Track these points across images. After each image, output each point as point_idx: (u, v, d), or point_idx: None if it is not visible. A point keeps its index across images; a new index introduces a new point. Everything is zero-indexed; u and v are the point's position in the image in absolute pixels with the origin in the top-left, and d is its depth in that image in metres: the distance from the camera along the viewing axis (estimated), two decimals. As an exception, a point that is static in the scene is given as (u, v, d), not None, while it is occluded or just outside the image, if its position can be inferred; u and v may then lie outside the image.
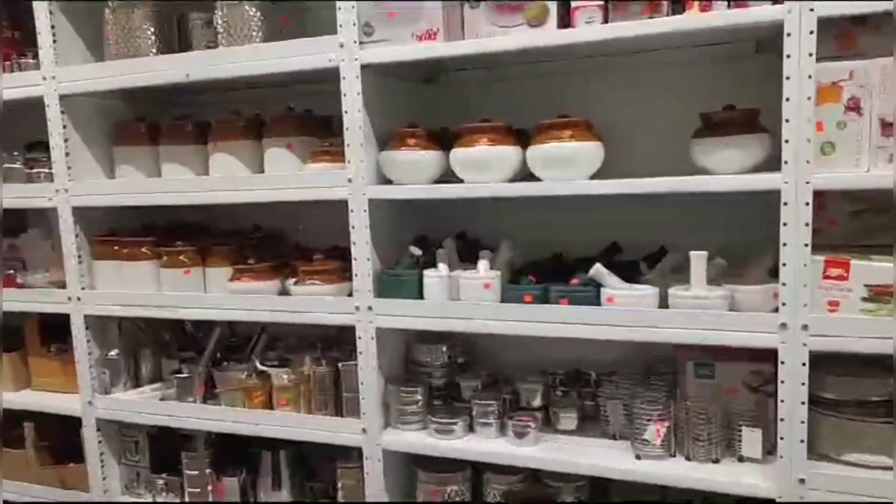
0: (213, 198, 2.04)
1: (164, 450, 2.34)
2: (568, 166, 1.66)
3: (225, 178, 2.03)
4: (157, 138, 2.22)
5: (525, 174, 1.76)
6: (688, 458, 1.67)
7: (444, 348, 2.02)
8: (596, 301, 1.68)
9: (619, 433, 1.83)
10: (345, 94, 1.79)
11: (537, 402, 1.92)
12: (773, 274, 1.64)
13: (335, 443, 1.95)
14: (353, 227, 1.83)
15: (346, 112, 1.80)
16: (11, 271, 2.48)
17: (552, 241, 1.98)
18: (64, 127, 2.14)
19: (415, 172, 1.83)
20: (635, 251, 1.89)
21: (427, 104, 2.06)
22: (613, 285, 1.67)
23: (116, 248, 2.22)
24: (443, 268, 1.85)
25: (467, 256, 1.93)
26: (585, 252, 1.95)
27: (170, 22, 2.17)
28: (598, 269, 1.68)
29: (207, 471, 2.21)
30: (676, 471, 1.63)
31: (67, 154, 2.16)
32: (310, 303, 1.92)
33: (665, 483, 1.64)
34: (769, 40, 1.75)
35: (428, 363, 2.02)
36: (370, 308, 1.84)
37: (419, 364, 2.03)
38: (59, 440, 2.46)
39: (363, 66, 1.77)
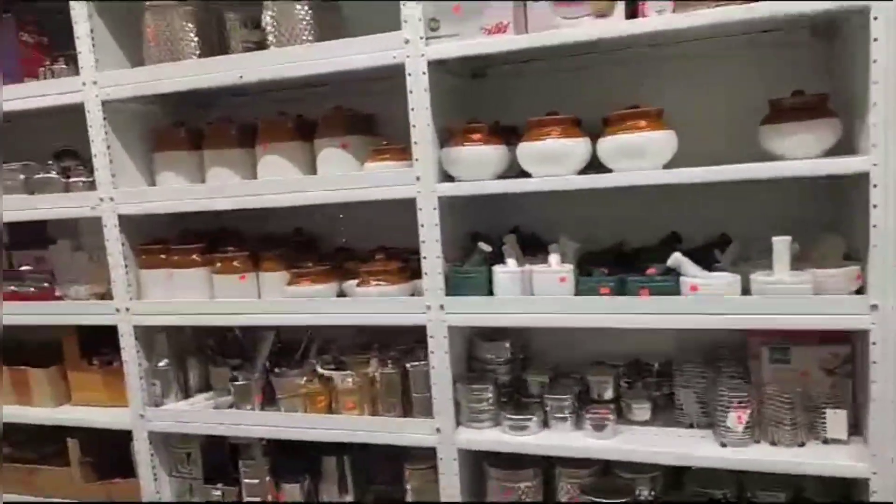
0: (265, 201, 1.99)
1: (214, 461, 2.30)
2: (641, 156, 1.65)
3: (283, 181, 1.99)
4: (199, 143, 2.17)
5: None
6: (773, 444, 1.68)
7: (507, 344, 2.01)
8: (677, 290, 1.68)
9: (696, 422, 1.83)
10: (411, 92, 1.76)
11: (608, 394, 1.91)
12: (847, 256, 1.66)
13: (407, 444, 1.92)
14: (423, 226, 1.80)
15: (412, 109, 1.77)
16: (45, 284, 2.41)
17: (604, 233, 1.98)
18: (105, 133, 2.08)
19: (480, 168, 1.81)
20: (691, 240, 1.90)
21: (471, 99, 2.04)
22: (695, 274, 1.66)
23: (163, 256, 2.16)
24: (512, 263, 1.84)
25: (526, 251, 1.91)
26: (641, 242, 1.97)
27: (209, 23, 2.12)
28: (678, 258, 1.68)
29: (267, 478, 2.17)
30: (765, 456, 1.64)
31: (111, 161, 2.09)
32: (377, 304, 1.89)
33: (757, 469, 1.65)
34: (824, 25, 1.77)
35: (491, 360, 2.01)
36: (442, 307, 1.82)
37: (483, 361, 2.01)
38: (103, 455, 2.40)
39: (429, 63, 1.74)
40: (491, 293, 1.84)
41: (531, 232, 2.07)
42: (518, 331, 2.02)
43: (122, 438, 2.32)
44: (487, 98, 2.08)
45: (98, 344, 2.40)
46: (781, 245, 1.59)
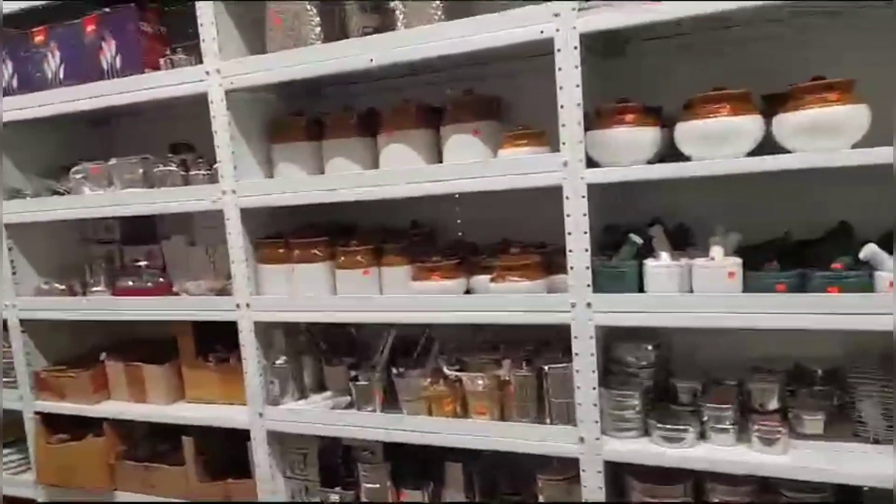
0: (391, 191, 1.88)
1: (328, 464, 2.22)
2: (834, 134, 1.46)
3: (418, 170, 1.88)
4: (318, 133, 2.09)
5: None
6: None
7: (651, 346, 1.84)
8: (870, 287, 1.47)
9: (880, 436, 1.62)
10: (560, 69, 1.61)
11: (773, 403, 1.72)
12: None
13: (547, 454, 1.78)
14: (569, 216, 1.66)
15: (560, 88, 1.62)
16: (161, 280, 2.39)
17: (756, 225, 1.78)
18: (228, 124, 2.02)
19: (632, 152, 1.65)
20: (862, 233, 1.68)
21: (608, 79, 1.88)
22: (892, 268, 1.46)
23: (283, 250, 2.09)
24: (665, 257, 1.67)
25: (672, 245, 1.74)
26: (804, 234, 1.76)
27: (330, 8, 2.03)
28: (872, 251, 1.47)
29: (388, 483, 2.06)
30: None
31: (233, 153, 2.04)
32: (516, 301, 1.76)
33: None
34: None
35: (632, 363, 1.84)
36: (589, 304, 1.67)
37: (622, 364, 1.85)
38: (217, 454, 2.35)
39: (581, 36, 1.59)
40: (640, 290, 1.67)
41: (677, 223, 1.89)
42: (661, 331, 1.84)
43: (235, 438, 2.27)
44: (625, 77, 1.91)
45: (212, 341, 2.36)
46: None
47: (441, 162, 1.92)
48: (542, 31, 1.62)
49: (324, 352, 2.27)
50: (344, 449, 2.23)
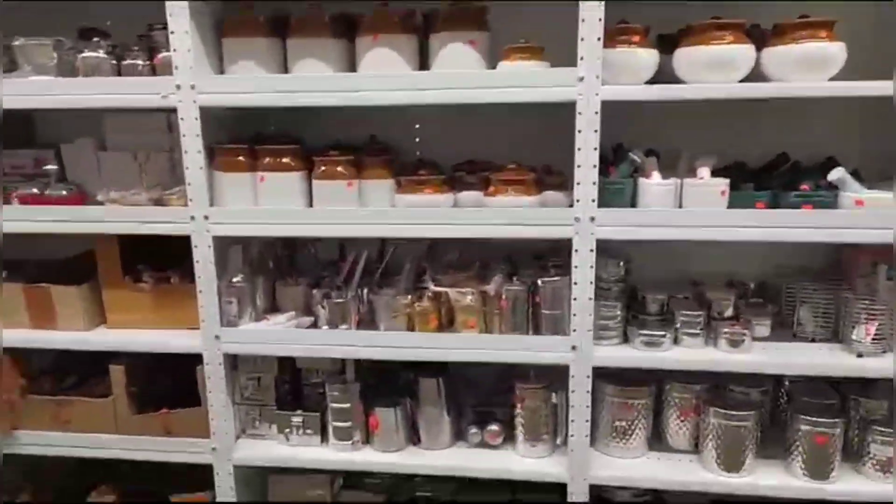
0: (371, 98, 1.77)
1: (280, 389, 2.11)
2: (821, 68, 1.63)
3: (397, 77, 1.78)
4: (283, 31, 1.89)
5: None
6: (904, 353, 1.77)
7: (622, 262, 1.97)
8: (835, 205, 1.70)
9: (816, 336, 1.90)
10: (584, -19, 1.61)
11: (729, 311, 1.93)
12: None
13: (539, 363, 1.85)
14: (580, 131, 1.69)
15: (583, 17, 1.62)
16: (72, 188, 2.04)
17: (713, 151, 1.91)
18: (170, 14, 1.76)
19: (631, 73, 1.72)
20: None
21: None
22: (857, 190, 1.69)
23: (243, 158, 1.89)
24: (657, 176, 1.78)
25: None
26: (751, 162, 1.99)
27: None
28: (840, 173, 1.69)
29: (358, 402, 2.01)
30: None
31: (191, 42, 1.78)
32: (519, 215, 1.77)
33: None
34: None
35: (605, 278, 1.95)
36: (592, 219, 1.73)
37: (598, 279, 1.96)
38: (150, 384, 2.13)
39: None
40: (634, 206, 1.78)
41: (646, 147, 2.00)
42: (624, 248, 1.96)
43: (167, 364, 2.06)
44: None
45: (135, 261, 2.09)
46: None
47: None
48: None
49: (280, 270, 2.12)
50: (297, 373, 2.13)
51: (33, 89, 1.85)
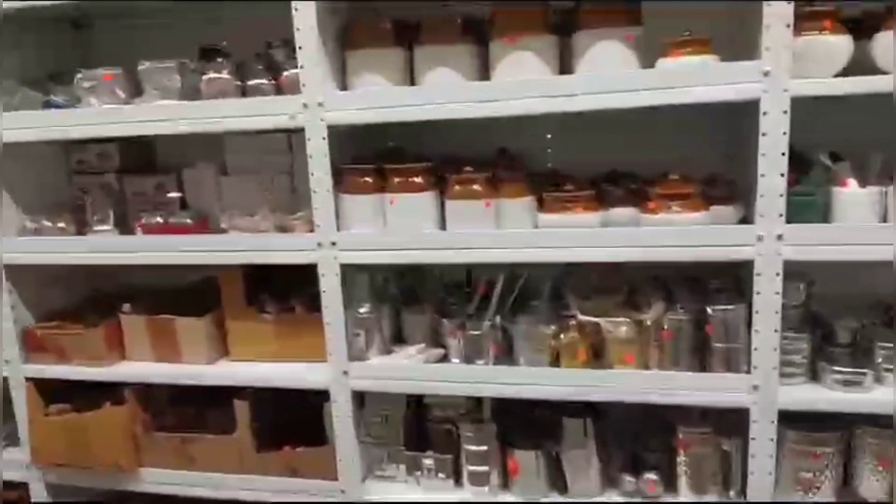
0: (507, 108, 1.60)
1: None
2: None
3: (546, 82, 1.60)
4: (409, 39, 1.74)
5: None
6: None
7: (803, 285, 1.68)
8: None
9: None
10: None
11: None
12: None
13: (711, 403, 1.60)
14: (765, 135, 1.44)
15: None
16: (197, 214, 1.97)
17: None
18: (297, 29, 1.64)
19: (820, 64, 1.45)
20: None
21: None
22: None
23: (370, 178, 1.75)
24: (853, 184, 1.50)
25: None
26: None
27: None
28: None
29: (496, 445, 1.82)
30: None
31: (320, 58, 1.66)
32: (689, 235, 1.53)
33: None
34: None
35: (784, 303, 1.67)
36: (779, 237, 1.48)
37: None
38: (274, 420, 2.01)
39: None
40: (825, 220, 1.51)
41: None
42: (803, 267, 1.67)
43: (291, 401, 1.95)
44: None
45: (257, 290, 1.99)
46: None
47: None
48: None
49: (403, 297, 1.97)
50: (418, 410, 1.97)
51: (161, 114, 1.78)
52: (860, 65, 1.45)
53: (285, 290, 2.01)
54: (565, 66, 1.68)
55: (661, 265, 1.65)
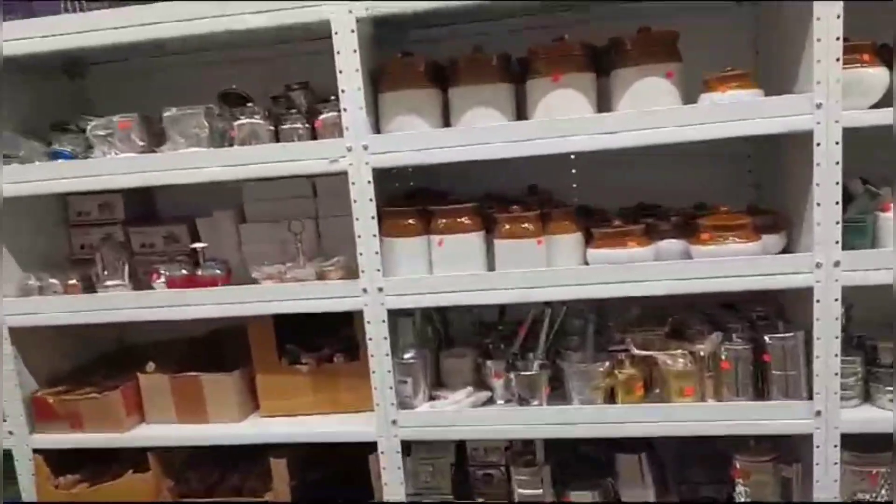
0: (551, 146, 1.59)
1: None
2: None
3: (594, 120, 1.60)
4: (443, 79, 1.73)
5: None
6: None
7: (843, 309, 1.72)
8: None
9: None
10: (825, -2, 1.42)
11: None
12: None
13: (774, 432, 1.60)
14: (818, 165, 1.48)
15: (817, 19, 1.43)
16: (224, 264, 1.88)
17: None
18: (360, 64, 1.60)
19: (859, 95, 1.50)
20: None
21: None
22: None
23: (413, 221, 1.71)
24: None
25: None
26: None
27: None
28: None
29: (550, 488, 1.78)
30: None
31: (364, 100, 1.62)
32: (744, 265, 1.54)
33: None
34: None
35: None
36: (836, 264, 1.51)
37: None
38: (309, 476, 1.92)
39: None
40: (872, 245, 1.55)
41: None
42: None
43: (330, 455, 1.87)
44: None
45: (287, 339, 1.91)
46: None
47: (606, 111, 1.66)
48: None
49: (440, 339, 1.92)
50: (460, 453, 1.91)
51: (197, 162, 1.70)
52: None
53: (311, 338, 1.94)
54: (602, 103, 1.69)
55: (712, 296, 1.66)
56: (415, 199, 1.86)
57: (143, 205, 2.23)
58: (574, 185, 2.05)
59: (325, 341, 1.94)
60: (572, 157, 2.00)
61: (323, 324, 1.93)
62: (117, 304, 1.83)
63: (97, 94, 2.18)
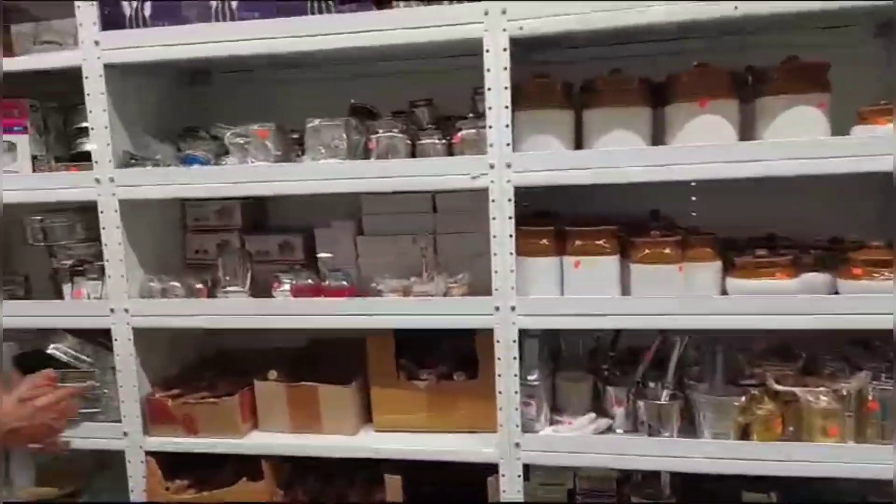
0: (688, 173, 1.58)
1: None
2: None
3: (747, 147, 1.58)
4: (576, 99, 1.73)
5: None
6: None
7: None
8: None
9: None
10: None
11: None
12: None
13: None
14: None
15: None
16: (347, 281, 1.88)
17: None
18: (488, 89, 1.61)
19: None
20: None
21: None
22: None
23: (546, 241, 1.70)
24: None
25: None
26: None
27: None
28: None
29: (674, 523, 1.73)
30: None
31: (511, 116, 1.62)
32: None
33: None
34: None
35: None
36: None
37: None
38: (424, 497, 1.89)
39: None
40: None
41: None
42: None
43: (444, 475, 1.83)
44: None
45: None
46: None
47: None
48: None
49: (557, 362, 1.90)
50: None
51: (346, 173, 1.71)
52: None
53: (422, 354, 1.93)
54: (745, 130, 1.67)
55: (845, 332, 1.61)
56: (536, 219, 1.85)
57: (257, 213, 2.26)
58: (693, 213, 2.02)
59: (437, 358, 1.93)
60: (692, 183, 1.97)
61: (435, 340, 1.93)
62: (243, 309, 1.84)
63: (215, 103, 2.23)
